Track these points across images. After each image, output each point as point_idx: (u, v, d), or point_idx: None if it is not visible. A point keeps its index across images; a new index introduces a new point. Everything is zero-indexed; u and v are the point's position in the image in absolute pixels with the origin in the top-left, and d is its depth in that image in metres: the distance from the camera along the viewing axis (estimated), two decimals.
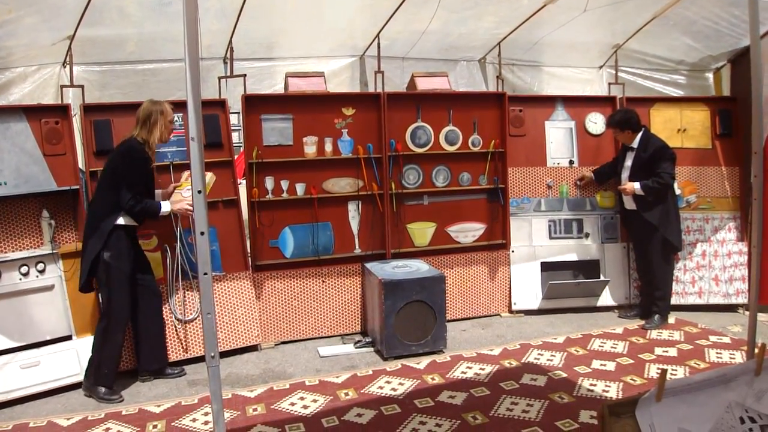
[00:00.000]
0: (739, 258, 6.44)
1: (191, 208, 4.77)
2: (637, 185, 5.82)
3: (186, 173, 5.20)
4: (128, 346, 4.99)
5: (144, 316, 4.86)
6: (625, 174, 6.03)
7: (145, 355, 4.93)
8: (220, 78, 6.10)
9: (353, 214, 6.01)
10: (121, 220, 4.59)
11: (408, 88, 6.41)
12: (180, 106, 5.29)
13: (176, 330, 5.22)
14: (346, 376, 4.90)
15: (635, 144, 5.92)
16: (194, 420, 4.17)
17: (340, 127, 5.91)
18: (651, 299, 6.05)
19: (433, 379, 4.79)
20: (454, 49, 7.10)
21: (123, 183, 4.53)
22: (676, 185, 6.46)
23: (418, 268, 5.60)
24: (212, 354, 2.56)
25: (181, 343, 5.23)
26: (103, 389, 4.57)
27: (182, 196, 4.98)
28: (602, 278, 6.45)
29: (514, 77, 7.45)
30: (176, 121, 5.09)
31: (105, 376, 4.62)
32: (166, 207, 4.79)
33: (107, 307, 4.64)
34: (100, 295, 4.79)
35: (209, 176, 5.19)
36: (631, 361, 5.02)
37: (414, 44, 6.75)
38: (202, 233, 2.51)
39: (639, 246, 6.19)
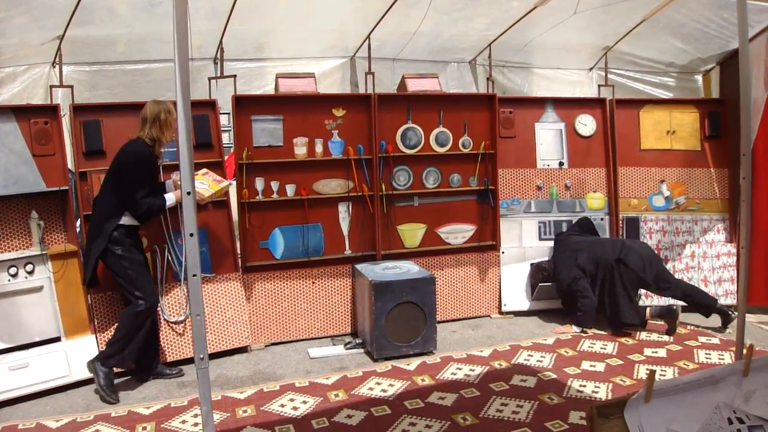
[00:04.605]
0: (727, 259, 6.48)
1: (198, 198, 4.77)
2: None
3: (203, 170, 5.20)
4: None
5: None
6: None
7: (151, 356, 4.92)
8: (210, 78, 6.09)
9: (343, 215, 6.01)
10: (123, 221, 4.63)
11: (398, 90, 6.41)
12: None
13: (165, 331, 5.21)
14: (336, 377, 4.90)
15: None
16: (184, 422, 4.16)
17: (331, 128, 5.91)
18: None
19: (423, 380, 4.79)
20: (444, 51, 7.12)
21: (129, 185, 4.57)
22: (665, 186, 6.53)
23: (409, 269, 5.61)
24: (201, 356, 2.56)
25: (171, 345, 5.21)
26: (105, 382, 4.52)
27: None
28: None
29: (505, 79, 7.47)
30: None
31: (125, 358, 4.64)
32: (170, 200, 4.80)
33: (135, 293, 4.63)
34: (121, 288, 4.74)
35: (226, 183, 5.21)
36: (621, 362, 5.04)
37: (405, 45, 6.76)
38: (192, 235, 2.51)
39: None
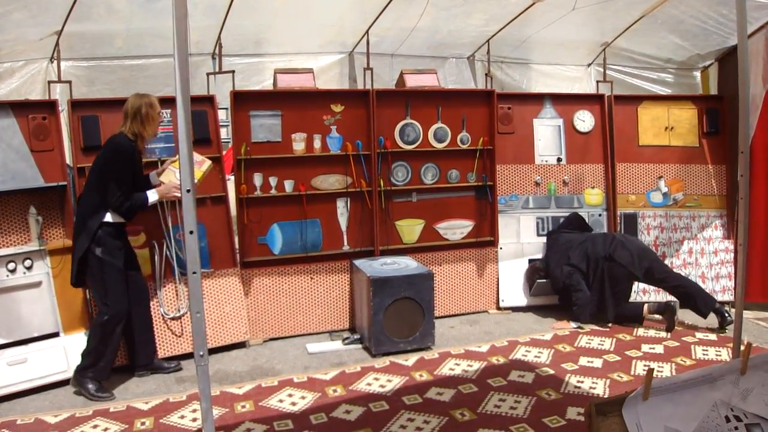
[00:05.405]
0: (725, 256, 6.50)
1: (178, 192, 4.71)
2: None
3: (169, 159, 5.09)
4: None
5: (134, 312, 4.82)
6: None
7: (138, 351, 4.91)
8: (208, 74, 6.08)
9: (342, 211, 6.01)
10: (108, 218, 4.56)
11: (397, 85, 6.41)
12: (168, 102, 5.30)
13: (163, 326, 5.21)
14: (335, 372, 4.90)
15: None
16: (182, 417, 4.17)
17: (329, 124, 5.91)
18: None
19: (421, 376, 4.80)
20: (443, 47, 7.10)
21: (110, 181, 4.49)
22: (663, 183, 6.54)
23: (407, 265, 5.61)
24: (201, 353, 2.56)
25: (169, 340, 5.21)
26: (93, 386, 4.53)
27: (169, 180, 4.87)
28: None
29: (503, 75, 7.46)
30: (164, 116, 5.07)
31: (102, 370, 4.60)
32: (153, 197, 4.74)
33: (104, 300, 4.59)
34: (93, 290, 4.72)
35: (207, 164, 5.03)
36: (618, 358, 5.06)
37: (403, 41, 6.75)
38: (192, 232, 2.51)
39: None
